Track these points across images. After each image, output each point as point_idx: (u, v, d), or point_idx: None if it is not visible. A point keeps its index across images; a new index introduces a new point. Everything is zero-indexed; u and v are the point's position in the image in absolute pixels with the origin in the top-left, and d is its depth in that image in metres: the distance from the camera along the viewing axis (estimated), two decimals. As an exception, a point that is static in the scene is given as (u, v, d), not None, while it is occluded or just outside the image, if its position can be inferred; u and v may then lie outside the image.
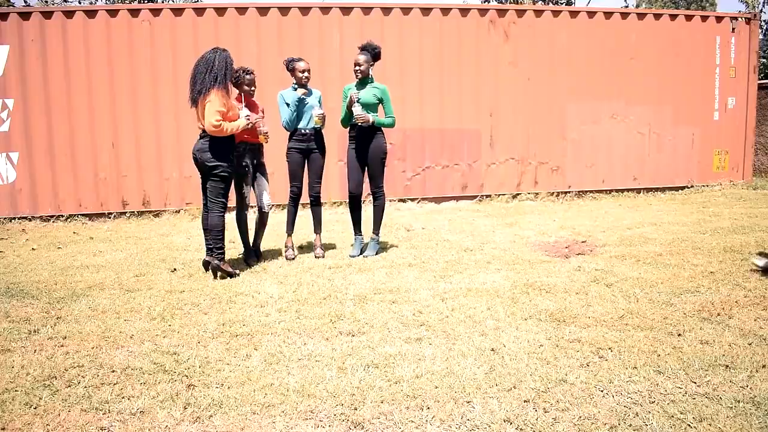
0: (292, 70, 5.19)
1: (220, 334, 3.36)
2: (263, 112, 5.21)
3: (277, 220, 7.39)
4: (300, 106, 5.14)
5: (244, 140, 4.95)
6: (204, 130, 4.54)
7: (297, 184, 5.28)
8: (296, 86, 5.19)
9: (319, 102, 5.30)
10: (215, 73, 4.44)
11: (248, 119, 4.74)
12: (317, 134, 5.29)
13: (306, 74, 5.18)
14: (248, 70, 5.04)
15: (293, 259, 5.22)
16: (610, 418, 2.33)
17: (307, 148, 5.27)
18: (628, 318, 3.45)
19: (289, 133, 5.30)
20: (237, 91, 5.08)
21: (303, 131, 5.22)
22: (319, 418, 2.40)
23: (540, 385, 2.62)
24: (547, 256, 5.15)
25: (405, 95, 8.38)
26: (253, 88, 5.08)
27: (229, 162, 4.61)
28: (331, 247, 5.74)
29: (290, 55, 5.40)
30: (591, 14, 9.16)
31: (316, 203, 5.39)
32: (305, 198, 5.38)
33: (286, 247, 5.35)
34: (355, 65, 5.12)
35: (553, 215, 7.52)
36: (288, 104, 5.13)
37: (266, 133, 5.03)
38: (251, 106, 5.09)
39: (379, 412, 2.42)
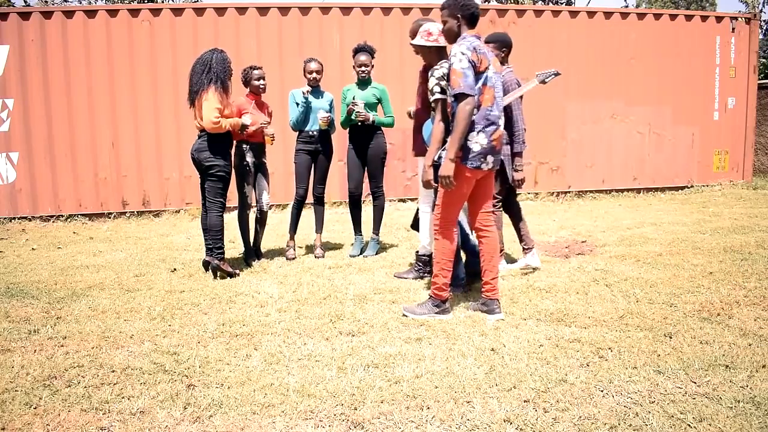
0: (304, 70, 5.23)
1: (220, 334, 3.36)
2: (271, 116, 5.22)
3: (277, 219, 7.40)
4: (307, 106, 5.16)
5: (245, 139, 4.96)
6: (202, 129, 4.56)
7: (303, 185, 5.30)
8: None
9: (330, 106, 5.30)
10: (213, 72, 4.48)
11: (251, 122, 4.75)
12: (324, 136, 5.30)
13: (314, 75, 5.19)
14: (255, 66, 5.10)
15: (293, 258, 5.23)
16: (610, 418, 2.33)
17: (315, 150, 5.29)
18: (628, 318, 3.45)
19: (296, 133, 5.32)
20: (246, 90, 5.11)
21: (309, 132, 5.24)
22: (319, 418, 2.40)
23: (540, 385, 2.62)
24: (547, 256, 5.15)
25: (405, 95, 8.37)
26: (263, 83, 5.07)
27: (226, 162, 4.62)
28: (331, 247, 5.74)
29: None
30: (591, 14, 9.16)
31: (319, 203, 5.42)
32: (309, 198, 5.40)
33: (287, 246, 5.36)
34: (361, 66, 5.13)
35: (553, 215, 7.52)
36: (298, 104, 5.16)
37: (272, 134, 5.04)
38: (260, 107, 5.11)
39: (379, 412, 2.42)
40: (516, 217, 4.72)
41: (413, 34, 4.17)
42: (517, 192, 4.73)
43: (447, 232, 3.50)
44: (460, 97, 3.25)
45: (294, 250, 5.35)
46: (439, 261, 3.52)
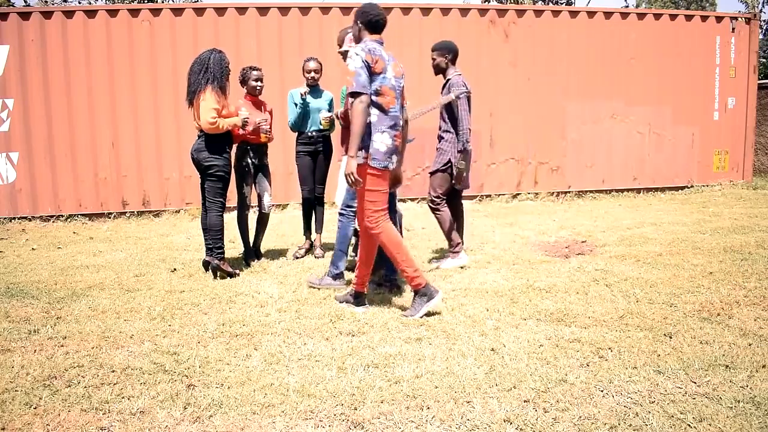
0: (303, 69, 5.24)
1: (220, 334, 3.36)
2: (271, 113, 5.23)
3: (277, 219, 7.40)
4: (305, 106, 5.16)
5: (247, 140, 4.96)
6: (201, 129, 4.56)
7: (307, 187, 5.34)
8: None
9: (329, 105, 5.30)
10: (210, 73, 4.48)
11: (246, 120, 4.74)
12: (323, 136, 5.31)
13: (312, 74, 5.19)
14: (255, 67, 5.10)
15: (299, 258, 5.26)
16: (610, 418, 2.33)
17: (314, 150, 5.30)
18: (628, 318, 3.45)
19: (296, 133, 5.34)
20: (244, 91, 5.11)
21: (309, 133, 5.25)
22: (319, 418, 2.40)
23: (540, 385, 2.62)
24: (547, 256, 5.15)
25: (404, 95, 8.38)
26: (260, 84, 5.08)
27: (225, 161, 4.62)
28: (331, 247, 5.73)
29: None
30: (591, 14, 9.16)
31: (318, 203, 5.45)
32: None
33: (299, 247, 5.49)
34: None
35: (553, 215, 7.53)
36: (296, 104, 5.16)
37: (268, 131, 5.05)
38: (257, 107, 5.10)
39: (379, 412, 2.42)
40: (454, 218, 4.93)
41: (340, 42, 4.44)
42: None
43: (379, 226, 3.58)
44: (354, 95, 3.42)
45: (303, 250, 5.38)
46: (394, 255, 3.59)
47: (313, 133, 5.25)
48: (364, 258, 3.74)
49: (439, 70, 4.78)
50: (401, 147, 3.71)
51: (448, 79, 4.73)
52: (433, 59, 4.77)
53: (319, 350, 3.09)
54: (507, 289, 4.10)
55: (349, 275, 4.43)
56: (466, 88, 4.63)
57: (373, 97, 3.49)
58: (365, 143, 3.49)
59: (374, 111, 3.51)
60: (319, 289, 4.20)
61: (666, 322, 3.36)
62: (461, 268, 4.76)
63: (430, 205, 4.86)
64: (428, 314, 3.55)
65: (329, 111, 5.23)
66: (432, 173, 4.83)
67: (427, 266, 4.86)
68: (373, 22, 3.61)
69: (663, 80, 9.34)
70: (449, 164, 4.71)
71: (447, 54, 4.71)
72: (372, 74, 3.46)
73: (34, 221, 7.80)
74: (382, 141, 3.53)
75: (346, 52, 4.15)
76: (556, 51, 8.99)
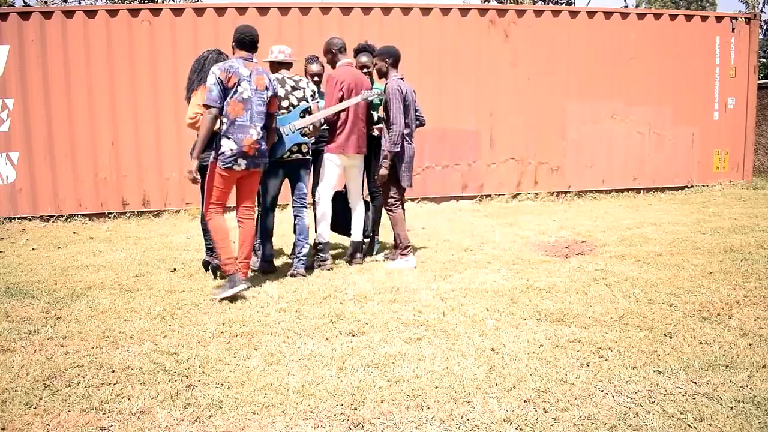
0: (305, 71, 5.21)
1: (220, 334, 3.36)
2: None
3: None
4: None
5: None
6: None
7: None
8: None
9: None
10: (204, 72, 4.47)
11: None
12: (323, 137, 5.30)
13: (315, 79, 5.15)
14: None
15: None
16: (610, 418, 2.33)
17: (316, 150, 5.29)
18: (628, 318, 3.45)
19: None
20: None
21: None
22: (319, 418, 2.40)
23: (540, 385, 2.62)
24: (547, 256, 5.15)
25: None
26: None
27: None
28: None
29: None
30: (591, 14, 9.17)
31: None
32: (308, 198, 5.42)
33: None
34: (362, 67, 5.12)
35: (553, 215, 7.53)
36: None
37: None
38: None
39: (379, 412, 2.42)
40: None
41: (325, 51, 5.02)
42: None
43: (211, 215, 4.12)
44: (205, 107, 4.00)
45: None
46: (217, 242, 4.11)
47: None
48: (236, 244, 4.21)
49: (381, 74, 4.95)
50: (252, 152, 4.07)
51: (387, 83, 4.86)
52: (375, 64, 4.97)
53: (319, 350, 3.09)
54: (507, 289, 4.10)
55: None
56: (401, 92, 4.74)
57: (225, 108, 3.99)
58: (216, 146, 4.00)
59: (225, 120, 4.01)
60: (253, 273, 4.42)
61: (666, 322, 3.37)
62: (413, 267, 4.77)
63: (384, 206, 4.98)
64: (232, 298, 3.94)
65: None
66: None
67: (419, 263, 4.86)
68: (241, 41, 4.15)
69: (663, 80, 9.35)
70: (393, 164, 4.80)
71: (387, 59, 4.90)
72: (225, 89, 3.98)
73: (34, 221, 7.80)
74: (227, 146, 3.99)
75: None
76: (556, 51, 8.99)
